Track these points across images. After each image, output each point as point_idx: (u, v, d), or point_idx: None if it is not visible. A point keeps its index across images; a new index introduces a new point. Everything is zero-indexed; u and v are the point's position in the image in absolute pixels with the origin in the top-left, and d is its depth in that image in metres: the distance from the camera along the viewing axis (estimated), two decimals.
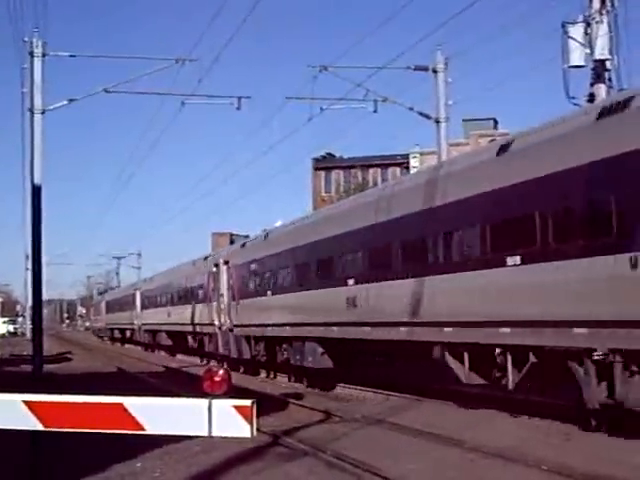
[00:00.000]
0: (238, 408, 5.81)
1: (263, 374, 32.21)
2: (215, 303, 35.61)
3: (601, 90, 20.41)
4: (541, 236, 14.65)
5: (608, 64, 20.51)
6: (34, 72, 27.75)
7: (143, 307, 60.31)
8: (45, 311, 57.59)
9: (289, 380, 28.79)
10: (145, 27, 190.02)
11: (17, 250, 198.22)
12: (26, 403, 6.09)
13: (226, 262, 34.87)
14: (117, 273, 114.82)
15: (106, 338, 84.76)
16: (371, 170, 73.43)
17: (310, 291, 25.13)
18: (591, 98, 20.21)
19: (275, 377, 30.85)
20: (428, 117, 28.85)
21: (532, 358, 15.12)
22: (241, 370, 33.10)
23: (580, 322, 13.58)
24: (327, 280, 23.84)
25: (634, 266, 12.37)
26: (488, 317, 16.02)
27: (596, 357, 13.29)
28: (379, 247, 20.90)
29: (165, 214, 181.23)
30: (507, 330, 15.51)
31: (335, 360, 24.90)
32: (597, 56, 20.48)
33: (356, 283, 21.85)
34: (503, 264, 15.60)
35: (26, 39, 27.85)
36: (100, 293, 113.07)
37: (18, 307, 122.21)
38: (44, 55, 27.82)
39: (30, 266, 28.83)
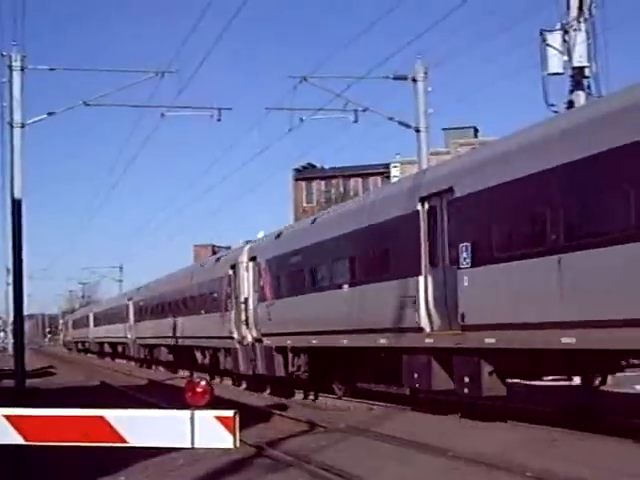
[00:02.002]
0: (220, 419, 5.79)
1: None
2: (127, 324, 55.57)
3: (580, 97, 20.47)
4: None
5: (587, 71, 20.57)
6: (13, 86, 27.62)
7: (95, 325, 76.97)
8: (27, 326, 57.62)
9: (155, 369, 48.68)
10: (124, 39, 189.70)
11: None
12: (7, 417, 6.05)
13: (130, 299, 55.79)
14: (83, 296, 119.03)
15: (73, 349, 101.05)
16: (352, 180, 73.48)
17: (160, 319, 44.33)
18: (570, 105, 20.25)
19: (157, 368, 48.80)
20: (408, 126, 28.87)
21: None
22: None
23: None
24: (166, 313, 42.90)
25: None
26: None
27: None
28: (184, 299, 39.32)
29: (147, 226, 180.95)
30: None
31: (175, 357, 43.28)
32: (575, 63, 20.50)
33: (174, 317, 40.78)
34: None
35: (5, 53, 27.68)
36: (72, 311, 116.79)
37: None
38: (23, 69, 27.66)
39: (11, 280, 28.65)
